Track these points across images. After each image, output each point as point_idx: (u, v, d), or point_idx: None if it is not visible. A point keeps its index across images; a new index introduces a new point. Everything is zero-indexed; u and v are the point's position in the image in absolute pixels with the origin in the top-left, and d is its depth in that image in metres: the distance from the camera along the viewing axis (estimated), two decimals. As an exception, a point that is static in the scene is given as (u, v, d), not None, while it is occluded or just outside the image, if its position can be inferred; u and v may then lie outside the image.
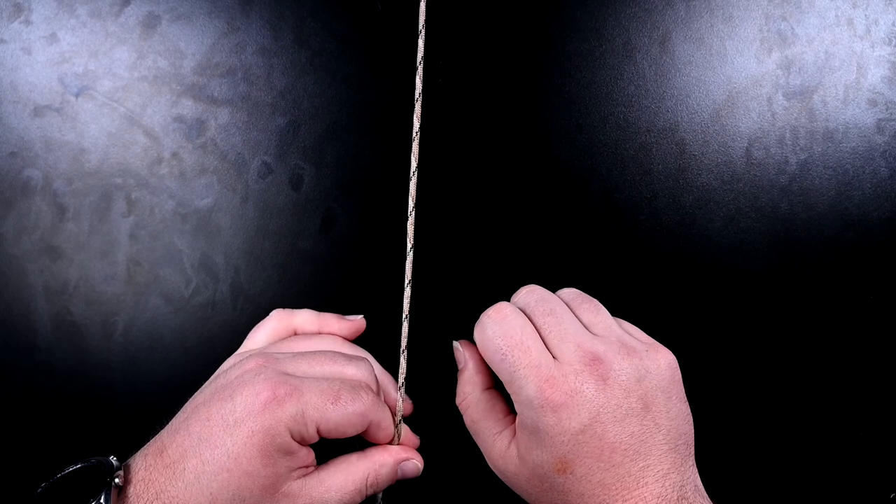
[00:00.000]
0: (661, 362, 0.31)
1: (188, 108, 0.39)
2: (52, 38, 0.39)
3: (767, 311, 0.38)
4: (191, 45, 0.38)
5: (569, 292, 0.33)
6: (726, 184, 0.37)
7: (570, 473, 0.29)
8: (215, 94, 0.39)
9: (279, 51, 0.38)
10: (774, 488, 0.38)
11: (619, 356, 0.30)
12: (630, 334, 0.32)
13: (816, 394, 0.38)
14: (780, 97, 0.37)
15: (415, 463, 0.33)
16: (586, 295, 0.33)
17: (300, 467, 0.29)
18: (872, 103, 0.37)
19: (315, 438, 0.29)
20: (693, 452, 0.30)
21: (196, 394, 0.32)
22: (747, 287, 0.38)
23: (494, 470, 0.32)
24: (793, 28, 0.37)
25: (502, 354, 0.30)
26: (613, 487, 0.29)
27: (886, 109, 0.37)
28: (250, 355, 0.31)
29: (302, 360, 0.30)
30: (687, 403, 0.31)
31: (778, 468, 0.38)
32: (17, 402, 0.39)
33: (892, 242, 0.37)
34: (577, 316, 0.32)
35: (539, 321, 0.31)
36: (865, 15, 0.37)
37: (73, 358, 0.39)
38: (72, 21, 0.39)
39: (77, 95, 0.39)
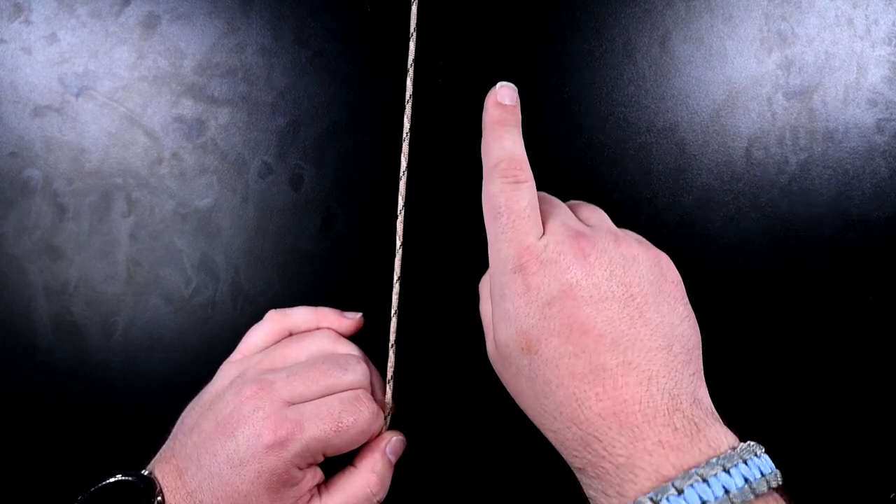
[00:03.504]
0: (654, 256, 0.28)
1: (188, 108, 0.39)
2: (52, 38, 0.39)
3: (767, 311, 0.38)
4: (191, 45, 0.38)
5: (572, 201, 0.33)
6: (726, 184, 0.37)
7: (536, 353, 0.26)
8: (215, 94, 0.39)
9: (279, 51, 0.38)
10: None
11: (606, 239, 0.28)
12: (626, 232, 0.30)
13: (816, 394, 0.38)
14: (780, 97, 0.37)
15: (397, 440, 0.33)
16: (589, 203, 0.32)
17: (307, 491, 0.29)
18: (872, 103, 0.37)
19: (321, 460, 0.30)
20: (698, 363, 0.26)
21: (193, 404, 0.32)
22: (747, 287, 0.38)
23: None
24: (793, 28, 0.37)
25: (498, 213, 0.29)
26: (585, 380, 0.25)
27: (886, 109, 0.37)
28: (245, 380, 0.31)
29: (297, 381, 0.30)
30: (689, 308, 0.28)
31: (778, 468, 0.38)
32: (17, 402, 0.39)
33: (892, 242, 0.37)
34: (574, 214, 0.31)
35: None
36: (865, 15, 0.37)
37: (73, 358, 0.39)
38: (72, 21, 0.39)
39: (77, 95, 0.39)
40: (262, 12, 0.38)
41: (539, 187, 0.38)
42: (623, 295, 0.26)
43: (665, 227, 0.38)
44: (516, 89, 0.32)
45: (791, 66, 0.37)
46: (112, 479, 0.29)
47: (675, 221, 0.38)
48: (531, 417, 0.28)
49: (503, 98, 0.32)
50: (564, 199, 0.38)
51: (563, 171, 0.38)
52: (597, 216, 0.31)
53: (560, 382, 0.25)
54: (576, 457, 0.25)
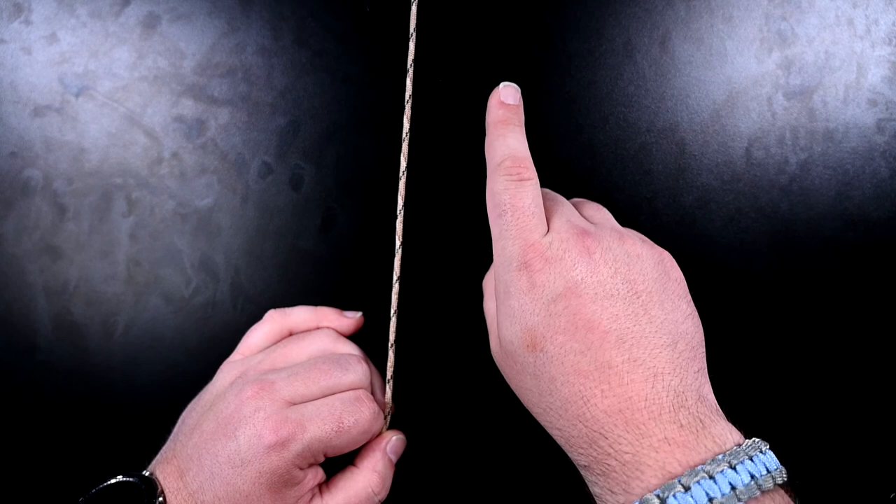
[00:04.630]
0: (658, 255, 0.28)
1: (188, 108, 0.39)
2: (52, 38, 0.39)
3: (767, 311, 0.38)
4: (191, 45, 0.38)
5: (576, 199, 0.33)
6: (726, 184, 0.37)
7: (541, 351, 0.26)
8: (215, 94, 0.39)
9: (279, 51, 0.38)
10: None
11: (611, 237, 0.28)
12: (630, 230, 0.30)
13: (817, 393, 0.38)
14: (780, 97, 0.37)
15: (398, 440, 0.33)
16: (593, 201, 0.33)
17: (308, 491, 0.29)
18: (872, 103, 0.37)
19: (322, 460, 0.30)
20: (702, 360, 0.27)
21: (194, 404, 0.32)
22: (747, 287, 0.38)
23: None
24: (793, 28, 0.37)
25: (502, 210, 0.29)
26: (591, 377, 0.25)
27: (886, 109, 0.37)
28: (246, 380, 0.31)
29: (298, 381, 0.30)
30: (693, 306, 0.28)
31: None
32: (17, 403, 0.39)
33: (893, 242, 0.37)
34: (579, 211, 0.31)
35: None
36: (865, 15, 0.37)
37: (73, 358, 0.39)
38: (72, 21, 0.39)
39: (77, 95, 0.39)
40: (262, 12, 0.38)
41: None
42: (628, 292, 0.26)
43: (665, 227, 0.38)
44: (519, 89, 0.33)
45: (791, 66, 0.37)
46: (113, 480, 0.29)
47: (675, 221, 0.38)
48: (536, 415, 0.28)
49: (507, 97, 0.32)
50: (566, 199, 0.38)
51: (563, 170, 0.38)
52: (601, 214, 0.31)
53: (565, 380, 0.25)
54: (581, 454, 0.25)
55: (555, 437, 0.27)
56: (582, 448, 0.25)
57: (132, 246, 0.39)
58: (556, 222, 0.29)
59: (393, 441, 0.32)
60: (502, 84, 0.33)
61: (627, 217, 0.38)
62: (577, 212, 0.31)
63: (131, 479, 0.28)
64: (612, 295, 0.26)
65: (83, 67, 0.39)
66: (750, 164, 0.37)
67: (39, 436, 0.39)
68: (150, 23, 0.39)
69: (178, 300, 0.39)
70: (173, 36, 0.38)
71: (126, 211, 0.39)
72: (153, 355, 0.39)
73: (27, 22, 0.39)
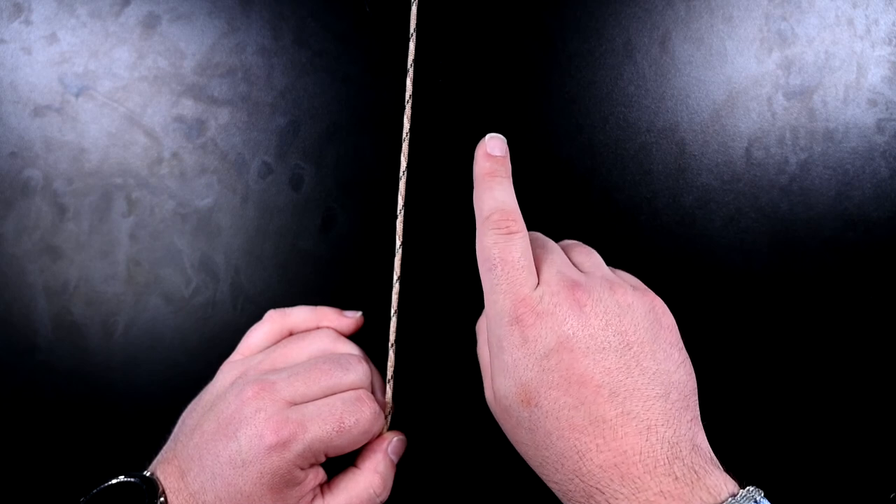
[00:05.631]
0: (650, 303, 0.28)
1: (188, 108, 0.39)
2: (52, 38, 0.39)
3: (767, 311, 0.38)
4: (191, 45, 0.38)
5: (566, 241, 0.33)
6: (726, 184, 0.38)
7: (536, 406, 0.26)
8: (215, 94, 0.39)
9: (279, 51, 0.38)
10: (774, 488, 0.38)
11: (602, 288, 0.28)
12: (621, 277, 0.30)
13: (816, 394, 0.38)
14: (780, 97, 0.37)
15: (398, 440, 0.33)
16: (583, 244, 0.32)
17: (310, 491, 0.29)
18: (872, 103, 0.37)
19: (323, 460, 0.30)
20: (695, 408, 0.27)
21: (194, 405, 0.32)
22: (747, 287, 0.38)
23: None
24: (793, 28, 0.37)
25: (492, 264, 0.29)
26: (585, 432, 0.25)
27: (886, 109, 0.37)
28: (247, 380, 0.31)
29: (298, 381, 0.30)
30: (685, 353, 0.28)
31: (778, 468, 0.38)
32: (17, 403, 0.39)
33: (893, 242, 0.37)
34: (568, 257, 0.31)
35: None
36: (865, 15, 0.37)
37: (73, 358, 0.39)
38: (72, 21, 0.39)
39: (77, 95, 0.39)
40: (262, 12, 0.38)
41: (539, 187, 0.38)
42: (619, 344, 0.26)
43: (665, 227, 0.38)
44: (505, 140, 0.33)
45: (791, 66, 0.37)
46: (114, 481, 0.29)
47: (675, 221, 0.38)
48: (534, 468, 0.28)
49: (493, 150, 0.32)
50: (564, 203, 0.38)
51: (563, 170, 0.38)
52: (591, 260, 0.31)
53: (560, 434, 0.25)
54: None
55: (553, 491, 0.27)
56: (579, 502, 0.25)
57: (132, 246, 0.39)
58: (546, 274, 0.29)
59: (394, 442, 0.32)
60: (488, 136, 0.33)
61: (627, 217, 0.38)
62: (567, 259, 0.31)
63: (132, 480, 0.28)
64: (603, 348, 0.26)
65: (83, 67, 0.39)
66: (750, 164, 0.37)
67: (39, 436, 0.39)
68: (150, 23, 0.39)
69: (178, 300, 0.39)
70: (173, 36, 0.38)
71: (126, 211, 0.39)
72: (153, 355, 0.39)
73: (27, 22, 0.39)
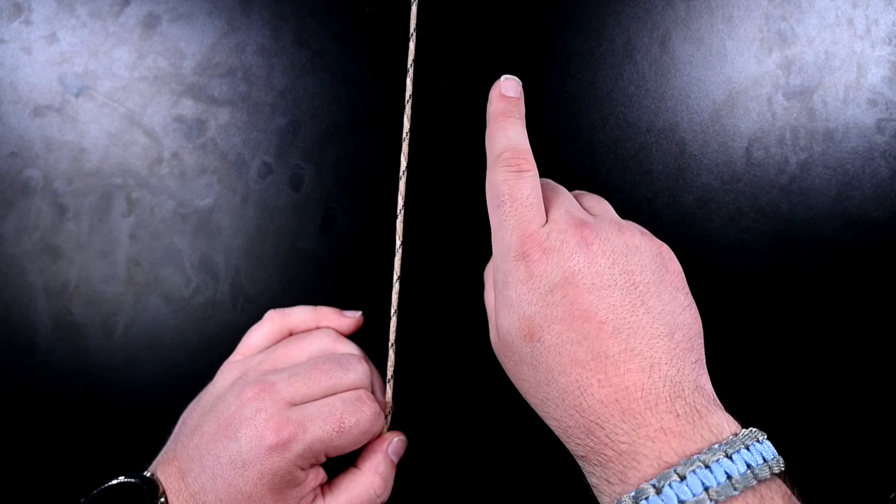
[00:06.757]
0: (657, 248, 0.28)
1: (188, 108, 0.39)
2: (52, 38, 0.39)
3: (767, 311, 0.38)
4: (191, 45, 0.38)
5: (577, 191, 0.33)
6: (726, 184, 0.38)
7: (538, 341, 0.26)
8: (215, 94, 0.39)
9: (279, 51, 0.38)
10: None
11: (610, 228, 0.28)
12: (629, 222, 0.30)
13: (816, 394, 0.38)
14: (780, 97, 0.37)
15: (399, 440, 0.33)
16: (594, 194, 0.33)
17: (310, 491, 0.29)
18: (872, 103, 0.37)
19: (323, 460, 0.30)
20: (700, 351, 0.26)
21: (194, 405, 0.32)
22: (747, 287, 0.38)
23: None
24: (793, 28, 0.37)
25: (501, 201, 0.29)
26: (588, 367, 0.25)
27: (886, 109, 0.37)
28: (247, 381, 0.31)
29: (299, 382, 0.30)
30: (690, 297, 0.28)
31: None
32: (17, 403, 0.39)
33: (893, 242, 0.37)
34: (579, 202, 0.31)
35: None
36: (865, 15, 0.37)
37: (73, 358, 0.39)
38: (72, 21, 0.39)
39: (77, 95, 0.39)
40: (262, 12, 0.38)
41: (539, 187, 0.38)
42: (625, 283, 0.26)
43: (665, 227, 0.38)
44: (520, 82, 0.33)
45: (791, 66, 0.37)
46: (115, 481, 0.29)
47: (675, 221, 0.38)
48: (533, 406, 0.28)
49: (507, 90, 0.32)
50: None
51: (563, 170, 0.38)
52: (601, 206, 0.31)
53: (562, 370, 0.25)
54: (578, 445, 0.25)
55: (552, 428, 0.27)
56: (579, 438, 0.25)
57: (132, 246, 0.39)
58: (555, 213, 0.29)
59: (394, 442, 0.32)
60: (503, 77, 0.33)
61: (627, 217, 0.38)
62: (577, 203, 0.31)
63: (132, 480, 0.28)
64: (609, 285, 0.26)
65: (83, 67, 0.39)
66: (750, 164, 0.37)
67: (39, 436, 0.39)
68: (150, 23, 0.39)
69: (178, 300, 0.39)
70: (173, 36, 0.38)
71: (126, 211, 0.39)
72: (153, 355, 0.39)
73: (27, 22, 0.39)
